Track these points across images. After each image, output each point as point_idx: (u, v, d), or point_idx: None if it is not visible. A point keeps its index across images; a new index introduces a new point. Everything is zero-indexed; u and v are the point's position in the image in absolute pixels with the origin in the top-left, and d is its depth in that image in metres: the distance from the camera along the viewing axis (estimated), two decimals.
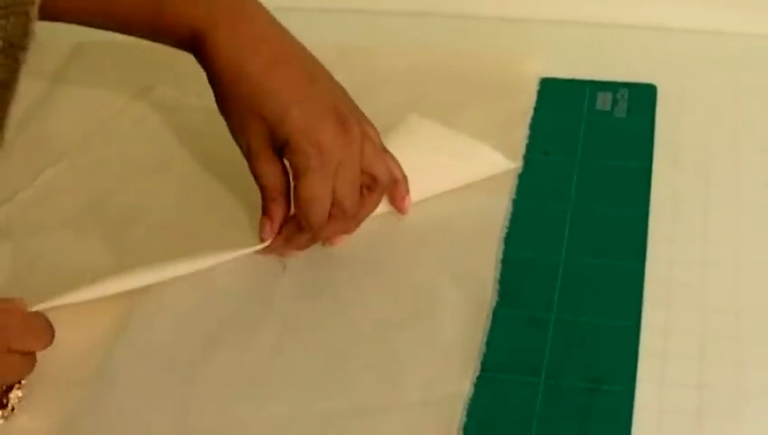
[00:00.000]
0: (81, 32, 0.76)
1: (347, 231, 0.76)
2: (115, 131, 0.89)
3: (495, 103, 0.88)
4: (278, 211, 0.74)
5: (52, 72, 0.95)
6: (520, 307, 0.72)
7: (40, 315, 0.68)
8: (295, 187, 0.73)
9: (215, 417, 0.66)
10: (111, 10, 0.74)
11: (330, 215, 0.73)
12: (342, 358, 0.69)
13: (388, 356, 0.69)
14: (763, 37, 0.94)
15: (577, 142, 0.85)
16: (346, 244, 0.77)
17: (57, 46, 0.96)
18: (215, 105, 0.74)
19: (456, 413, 0.65)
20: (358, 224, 0.76)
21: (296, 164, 0.72)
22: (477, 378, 0.67)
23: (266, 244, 0.75)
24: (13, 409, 0.67)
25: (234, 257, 0.75)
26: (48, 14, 0.63)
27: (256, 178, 0.74)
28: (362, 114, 0.76)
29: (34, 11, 0.62)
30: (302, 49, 0.75)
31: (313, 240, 0.76)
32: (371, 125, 0.76)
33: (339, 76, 0.76)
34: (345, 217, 0.74)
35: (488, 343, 0.69)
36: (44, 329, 0.68)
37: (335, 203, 0.73)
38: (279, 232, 0.75)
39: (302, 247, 0.76)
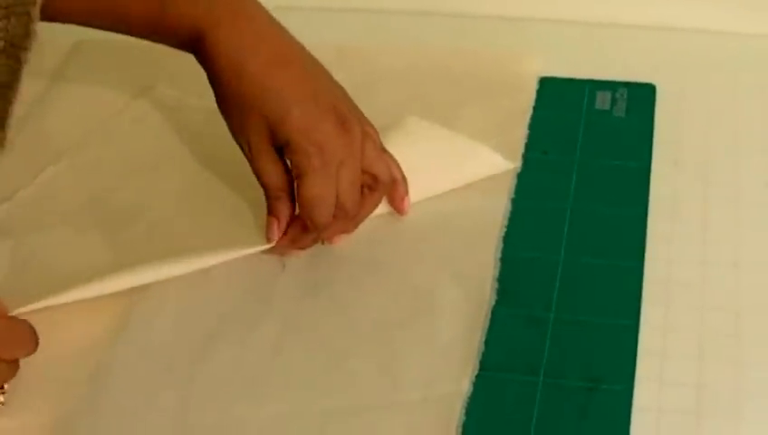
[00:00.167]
0: (80, 30, 0.76)
1: (346, 231, 0.76)
2: (115, 130, 0.89)
3: (495, 102, 0.88)
4: (284, 210, 0.74)
5: (52, 70, 0.94)
6: (519, 306, 0.72)
7: (23, 322, 0.68)
8: (298, 187, 0.73)
9: (214, 416, 0.66)
10: (112, 11, 0.74)
11: None
12: (341, 357, 0.69)
13: (388, 355, 0.69)
14: (762, 37, 0.94)
15: (576, 142, 0.85)
16: (345, 243, 0.77)
17: (56, 45, 0.96)
18: (215, 105, 0.74)
19: (455, 412, 0.65)
20: (358, 224, 0.76)
21: (297, 164, 0.72)
22: (476, 377, 0.67)
23: (272, 244, 0.75)
24: None
25: (237, 257, 0.75)
26: (48, 15, 0.63)
27: (259, 177, 0.74)
28: (362, 114, 0.76)
29: (36, 11, 0.62)
30: (302, 49, 0.75)
31: (316, 240, 0.76)
32: (371, 125, 0.76)
33: (338, 75, 0.76)
34: (346, 217, 0.74)
35: (487, 342, 0.69)
36: (28, 336, 0.67)
37: (336, 203, 0.73)
38: (285, 232, 0.75)
39: (305, 247, 0.76)
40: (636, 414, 0.65)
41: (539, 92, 0.90)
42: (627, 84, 0.90)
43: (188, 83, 0.84)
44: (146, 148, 0.87)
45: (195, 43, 0.73)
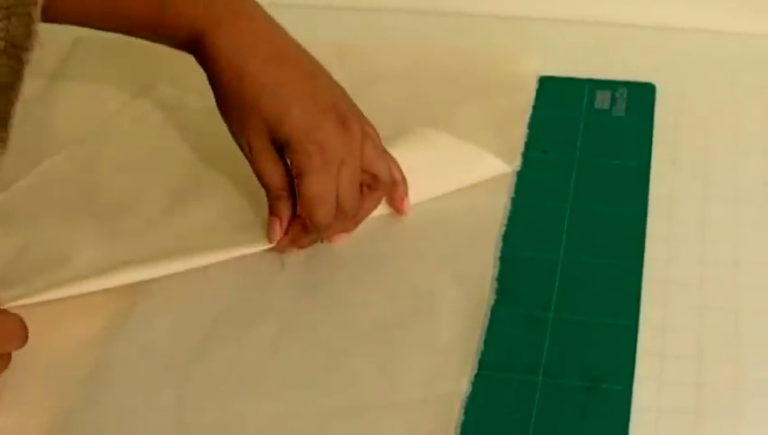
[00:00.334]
0: (80, 28, 0.76)
1: (346, 230, 0.76)
2: (114, 127, 0.89)
3: (494, 102, 0.88)
4: (285, 210, 0.74)
5: (51, 68, 0.94)
6: (518, 306, 0.72)
7: (14, 316, 0.68)
8: (298, 186, 0.73)
9: (213, 414, 0.66)
10: (112, 12, 0.74)
11: None
12: (340, 356, 0.69)
13: (387, 354, 0.69)
14: (761, 37, 0.94)
15: (575, 141, 0.85)
16: (345, 242, 0.77)
17: (56, 43, 0.95)
18: (215, 104, 0.74)
19: (454, 412, 0.65)
20: (357, 223, 0.76)
21: (298, 163, 0.72)
22: (475, 376, 0.67)
23: (274, 244, 0.75)
24: None
25: (237, 256, 0.75)
26: (48, 16, 0.63)
27: (260, 178, 0.74)
28: (361, 113, 0.76)
29: (37, 12, 0.62)
30: (301, 48, 0.75)
31: (315, 239, 0.76)
32: (371, 124, 0.76)
33: (336, 74, 0.76)
34: (345, 216, 0.74)
35: (486, 342, 0.69)
36: (18, 330, 0.68)
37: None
38: (285, 232, 0.75)
39: (305, 246, 0.76)
40: (635, 414, 0.65)
41: (538, 92, 0.90)
42: (626, 84, 0.90)
43: (189, 82, 0.84)
44: (145, 144, 0.87)
45: (194, 44, 0.73)
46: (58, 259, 0.75)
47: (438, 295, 0.72)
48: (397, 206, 0.78)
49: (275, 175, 0.74)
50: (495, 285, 0.73)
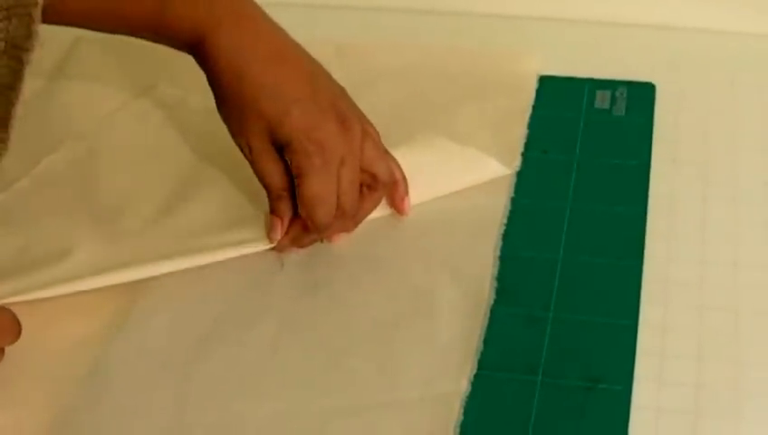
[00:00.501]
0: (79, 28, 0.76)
1: (346, 230, 0.76)
2: (114, 125, 0.89)
3: (494, 101, 0.88)
4: (286, 210, 0.74)
5: (51, 68, 0.94)
6: (518, 305, 0.72)
7: (7, 311, 0.68)
8: (298, 186, 0.73)
9: (212, 414, 0.66)
10: (112, 13, 0.74)
11: None
12: (340, 355, 0.69)
13: (386, 354, 0.69)
14: (761, 37, 0.94)
15: (575, 140, 0.85)
16: (344, 241, 0.77)
17: (56, 42, 0.95)
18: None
19: (453, 411, 0.65)
20: (357, 223, 0.76)
21: (298, 163, 0.72)
22: (474, 376, 0.67)
23: (274, 244, 0.75)
24: None
25: (237, 255, 0.75)
26: (48, 17, 0.63)
27: (261, 178, 0.74)
28: (362, 113, 0.76)
29: (37, 12, 0.62)
30: (301, 49, 0.75)
31: (316, 238, 0.76)
32: (371, 124, 0.76)
33: (336, 73, 0.76)
34: (344, 216, 0.74)
35: (486, 342, 0.69)
36: (10, 325, 0.68)
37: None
38: (286, 232, 0.75)
39: (305, 246, 0.76)
40: (634, 414, 0.65)
41: (538, 91, 0.90)
42: (626, 83, 0.90)
43: (190, 82, 0.84)
44: (145, 144, 0.87)
45: (195, 46, 0.73)
46: (57, 257, 0.75)
47: (438, 295, 0.72)
48: (397, 206, 0.78)
49: (276, 175, 0.74)
50: (495, 284, 0.73)
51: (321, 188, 0.72)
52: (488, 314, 0.71)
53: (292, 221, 0.75)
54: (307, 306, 0.73)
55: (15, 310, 0.69)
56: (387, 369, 0.68)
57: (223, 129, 0.74)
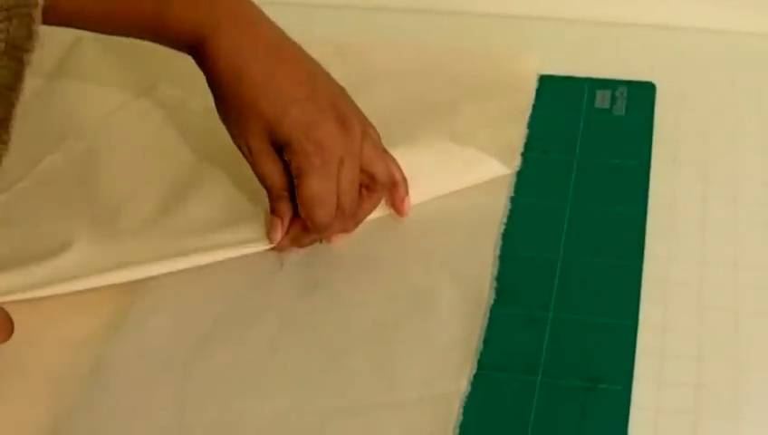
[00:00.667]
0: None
1: (346, 230, 0.76)
2: (115, 126, 0.89)
3: (494, 101, 0.88)
4: (287, 210, 0.74)
5: (51, 66, 0.94)
6: (517, 305, 0.72)
7: None
8: (298, 187, 0.73)
9: (212, 413, 0.66)
10: (112, 14, 0.74)
11: None
12: (339, 355, 0.69)
13: (385, 354, 0.69)
14: (761, 36, 0.94)
15: (575, 140, 0.85)
16: (344, 241, 0.77)
17: (55, 42, 0.95)
18: None
19: (453, 411, 0.65)
20: (357, 223, 0.76)
21: (297, 164, 0.72)
22: (474, 376, 0.67)
23: (275, 244, 0.75)
24: None
25: (237, 255, 0.75)
26: (48, 18, 0.63)
27: (261, 179, 0.74)
28: (362, 113, 0.76)
29: (38, 13, 0.62)
30: (300, 49, 0.75)
31: (315, 239, 0.76)
32: (371, 124, 0.76)
33: (335, 73, 0.76)
34: (343, 216, 0.74)
35: (485, 342, 0.69)
36: (3, 324, 0.68)
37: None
38: (286, 232, 0.75)
39: (304, 246, 0.76)
40: (634, 414, 0.65)
41: (538, 91, 0.90)
42: (626, 83, 0.90)
43: (191, 83, 0.84)
44: (145, 143, 0.87)
45: (194, 47, 0.73)
46: (57, 256, 0.75)
47: (438, 295, 0.72)
48: (397, 206, 0.78)
49: (276, 175, 0.74)
50: (495, 284, 0.73)
51: (320, 187, 0.72)
52: (488, 314, 0.71)
53: (292, 221, 0.75)
54: (307, 306, 0.73)
55: (16, 309, 0.69)
56: (386, 369, 0.68)
57: (223, 129, 0.74)
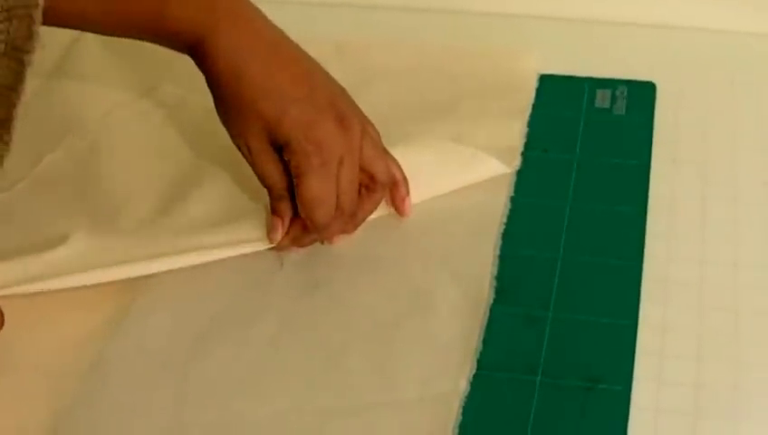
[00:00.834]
0: None
1: (346, 231, 0.76)
2: (116, 126, 0.88)
3: (494, 100, 0.88)
4: (287, 210, 0.74)
5: (51, 66, 0.94)
6: (517, 305, 0.72)
7: None
8: (297, 187, 0.73)
9: (211, 413, 0.66)
10: (111, 15, 0.73)
11: None
12: (339, 355, 0.69)
13: (385, 353, 0.69)
14: (762, 36, 0.94)
15: (576, 140, 0.85)
16: (344, 241, 0.77)
17: (55, 42, 0.95)
18: None
19: (452, 411, 0.65)
20: (357, 224, 0.76)
21: (297, 163, 0.72)
22: (473, 376, 0.67)
23: (275, 244, 0.75)
24: None
25: (237, 254, 0.75)
26: (48, 18, 0.63)
27: (261, 180, 0.74)
28: (362, 112, 0.75)
29: (38, 13, 0.62)
30: (299, 49, 0.75)
31: (315, 239, 0.76)
32: (371, 124, 0.76)
33: (335, 72, 0.76)
34: (343, 216, 0.74)
35: (485, 341, 0.69)
36: None
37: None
38: (287, 232, 0.75)
39: (304, 246, 0.76)
40: (634, 414, 0.65)
41: (538, 90, 0.89)
42: (627, 82, 0.90)
43: (191, 83, 0.84)
44: (146, 142, 0.87)
45: (193, 47, 0.73)
46: (57, 253, 0.75)
47: (438, 295, 0.72)
48: (398, 206, 0.78)
49: (275, 176, 0.74)
50: (494, 284, 0.73)
51: (319, 187, 0.72)
52: (487, 314, 0.71)
53: (292, 221, 0.75)
54: (307, 306, 0.73)
55: (16, 306, 0.69)
56: (386, 368, 0.68)
57: (223, 128, 0.74)
